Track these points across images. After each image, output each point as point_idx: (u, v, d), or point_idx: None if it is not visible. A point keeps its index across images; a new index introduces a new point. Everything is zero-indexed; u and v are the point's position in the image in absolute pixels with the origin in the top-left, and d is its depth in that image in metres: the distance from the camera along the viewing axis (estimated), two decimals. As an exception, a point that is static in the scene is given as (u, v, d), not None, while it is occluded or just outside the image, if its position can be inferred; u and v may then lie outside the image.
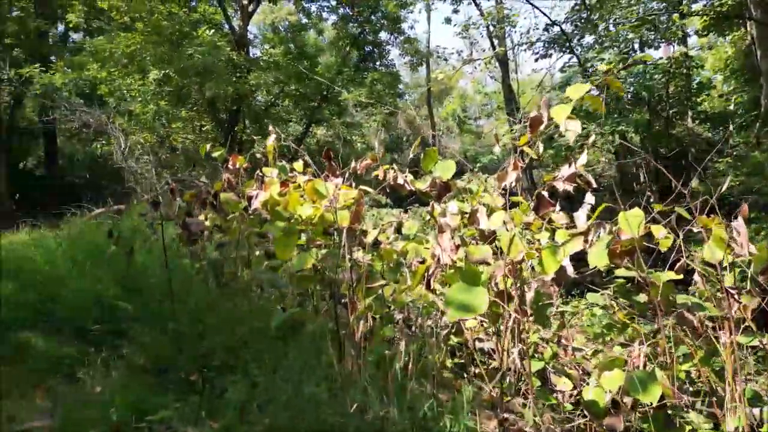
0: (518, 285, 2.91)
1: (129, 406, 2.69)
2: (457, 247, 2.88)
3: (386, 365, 2.72)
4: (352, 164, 3.90)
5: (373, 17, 21.00)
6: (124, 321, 3.70)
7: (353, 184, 3.72)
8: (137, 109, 16.48)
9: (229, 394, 2.66)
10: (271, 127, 4.71)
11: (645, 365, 2.39)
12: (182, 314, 3.59)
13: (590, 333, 4.04)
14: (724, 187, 2.88)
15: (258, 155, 4.61)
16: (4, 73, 18.10)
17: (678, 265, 2.58)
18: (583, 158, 3.07)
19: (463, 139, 34.16)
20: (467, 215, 3.26)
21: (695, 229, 2.60)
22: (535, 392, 2.85)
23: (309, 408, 2.25)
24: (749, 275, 2.49)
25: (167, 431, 2.52)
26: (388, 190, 3.73)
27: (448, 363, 3.44)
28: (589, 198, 3.05)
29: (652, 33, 13.05)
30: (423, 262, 3.12)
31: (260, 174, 4.05)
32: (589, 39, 15.12)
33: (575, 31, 15.15)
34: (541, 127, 3.01)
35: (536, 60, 15.69)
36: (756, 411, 2.42)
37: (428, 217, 4.16)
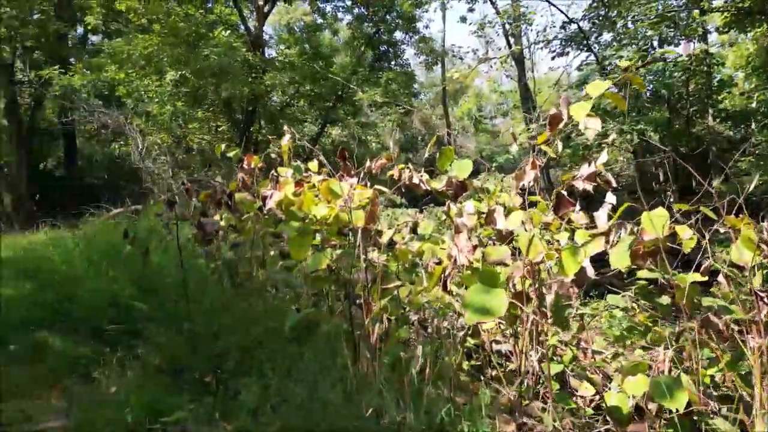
0: (537, 286, 2.85)
1: (144, 406, 2.68)
2: (475, 247, 2.82)
3: (402, 367, 2.68)
4: (367, 164, 3.86)
5: (388, 17, 20.94)
6: (139, 321, 3.71)
7: (368, 184, 3.67)
8: (154, 110, 16.64)
9: (243, 396, 2.63)
10: (286, 127, 4.69)
11: (670, 370, 2.31)
12: (197, 314, 3.58)
13: (610, 335, 3.95)
14: (752, 186, 2.78)
15: (273, 155, 4.59)
16: (25, 75, 18.39)
17: (704, 266, 2.50)
18: (603, 157, 2.99)
19: (478, 138, 33.97)
20: (484, 215, 3.20)
21: (722, 230, 2.51)
22: (555, 396, 2.78)
23: (323, 411, 2.22)
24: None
25: (181, 433, 2.51)
26: (403, 190, 3.68)
27: (465, 365, 3.38)
28: (610, 197, 2.97)
29: (672, 30, 12.83)
30: (439, 263, 3.07)
31: (275, 174, 4.03)
32: (607, 36, 14.93)
33: (593, 29, 14.96)
34: (560, 125, 2.94)
35: (553, 58, 15.50)
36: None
37: (444, 217, 4.11)
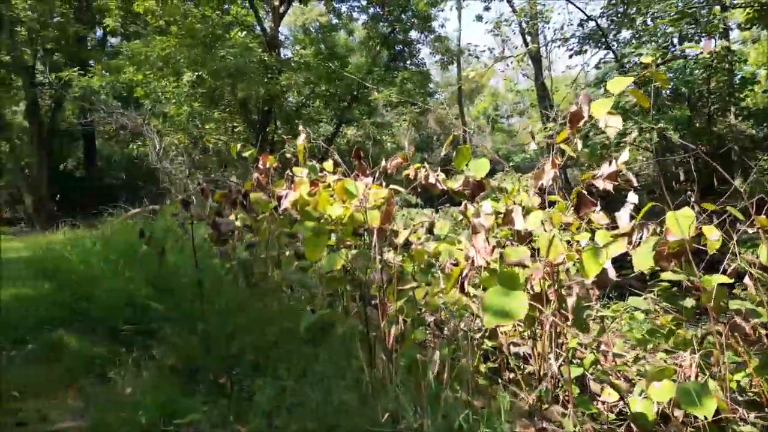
0: (556, 288, 2.78)
1: (158, 407, 2.67)
2: (492, 248, 2.76)
3: (418, 370, 2.63)
4: (382, 163, 3.81)
5: (403, 16, 20.90)
6: (155, 321, 3.71)
7: (383, 184, 3.63)
8: (172, 110, 16.78)
9: (257, 397, 2.61)
10: (301, 127, 4.67)
11: (697, 375, 2.23)
12: (212, 314, 3.57)
13: (631, 338, 3.86)
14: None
15: (288, 155, 4.57)
16: (45, 78, 18.68)
17: (731, 268, 2.41)
18: (624, 155, 2.92)
19: (494, 138, 33.75)
20: (501, 215, 3.14)
21: (750, 230, 2.42)
22: (575, 400, 2.71)
23: (338, 415, 2.18)
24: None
25: (195, 435, 2.49)
26: (419, 190, 3.63)
27: (482, 368, 3.32)
28: (632, 197, 2.90)
29: (692, 27, 12.60)
30: (456, 264, 3.01)
31: (290, 174, 4.01)
32: (625, 34, 14.72)
33: (611, 26, 14.74)
34: (581, 123, 2.87)
35: (570, 56, 15.31)
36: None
37: (460, 217, 4.04)
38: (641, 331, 3.73)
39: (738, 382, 2.82)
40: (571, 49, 15.20)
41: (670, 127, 12.93)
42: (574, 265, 3.20)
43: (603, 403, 2.85)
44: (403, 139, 25.23)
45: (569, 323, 2.90)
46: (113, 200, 11.00)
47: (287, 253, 4.11)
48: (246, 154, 4.79)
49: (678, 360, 2.97)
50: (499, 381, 3.18)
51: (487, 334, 3.29)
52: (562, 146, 3.09)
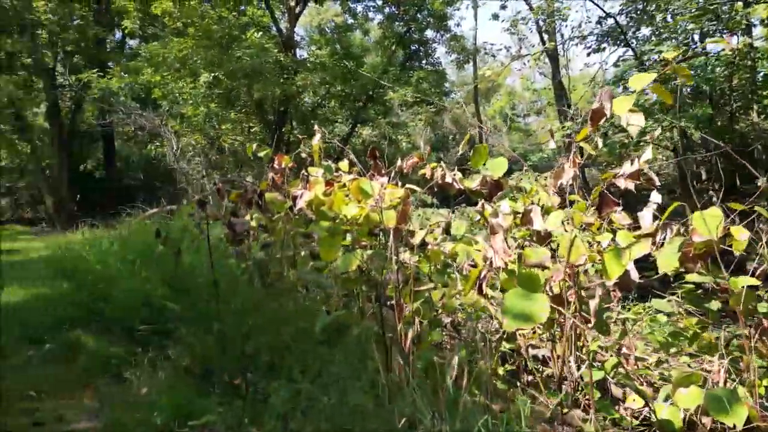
0: (577, 290, 2.71)
1: (173, 408, 2.66)
2: (511, 249, 2.70)
3: (435, 372, 2.59)
4: (398, 163, 3.77)
5: (419, 15, 20.82)
6: (171, 321, 3.71)
7: (399, 183, 3.59)
8: (189, 111, 16.91)
9: (272, 399, 2.58)
10: (316, 127, 4.65)
11: (725, 381, 2.16)
12: (227, 315, 3.56)
13: (653, 341, 3.77)
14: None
15: (303, 155, 4.55)
16: (65, 79, 18.95)
17: (761, 269, 2.33)
18: (647, 154, 2.84)
19: (511, 137, 33.50)
20: (519, 215, 3.08)
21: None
22: (597, 405, 2.64)
23: (354, 419, 2.14)
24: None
25: (210, 437, 2.47)
26: (435, 189, 3.58)
27: (500, 371, 3.26)
28: (655, 197, 2.82)
29: (714, 23, 12.35)
30: (474, 265, 2.95)
31: (305, 173, 3.98)
32: (645, 31, 14.47)
33: (630, 24, 14.51)
34: (602, 121, 2.79)
35: (588, 54, 15.09)
36: None
37: (477, 217, 3.98)
38: (662, 333, 3.65)
39: (767, 387, 2.72)
40: (589, 47, 15.00)
41: (691, 126, 12.70)
42: (592, 266, 3.13)
43: (625, 408, 2.77)
44: (419, 138, 25.16)
45: (590, 326, 2.83)
46: (132, 201, 11.13)
47: (302, 253, 4.08)
48: (261, 154, 4.77)
49: (703, 364, 2.89)
50: (518, 384, 3.12)
51: (505, 336, 3.24)
52: (582, 145, 3.02)
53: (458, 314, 3.76)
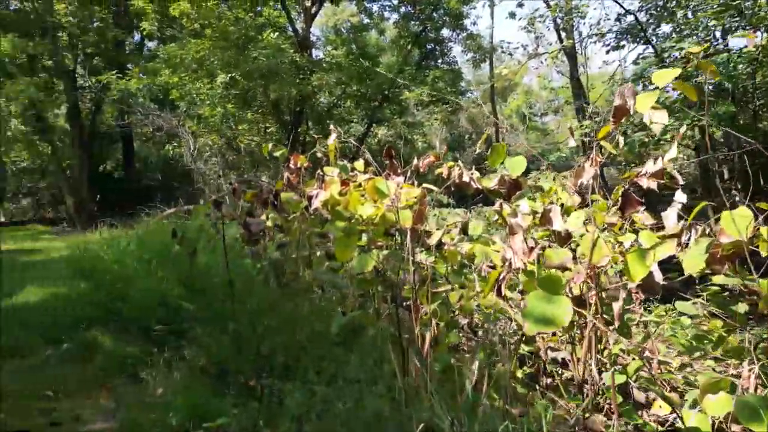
0: (598, 291, 2.64)
1: (189, 409, 2.64)
2: (531, 249, 2.64)
3: (453, 375, 2.54)
4: (414, 162, 3.72)
5: (435, 14, 20.74)
6: (186, 321, 3.71)
7: (415, 183, 3.54)
8: (206, 112, 17.04)
9: (287, 401, 2.55)
10: (332, 126, 4.62)
11: (756, 388, 2.07)
12: (243, 315, 3.54)
13: (676, 344, 3.68)
14: None
15: (319, 154, 4.53)
16: (86, 81, 19.22)
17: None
18: (672, 152, 2.76)
19: (528, 136, 33.23)
20: (538, 215, 3.01)
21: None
22: (619, 410, 2.57)
23: (370, 423, 2.10)
24: None
25: (225, 438, 2.45)
26: (452, 189, 3.53)
27: (518, 373, 3.20)
28: (680, 196, 2.73)
29: (737, 19, 12.09)
30: (493, 267, 2.89)
31: (321, 173, 3.96)
32: (665, 28, 14.22)
33: (650, 20, 14.28)
34: (624, 119, 2.72)
35: (607, 52, 14.88)
36: None
37: (494, 217, 3.92)
38: (685, 336, 3.56)
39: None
40: (608, 45, 14.79)
41: (712, 124, 12.45)
42: (612, 267, 3.05)
43: (650, 414, 2.70)
44: (435, 138, 25.06)
45: (611, 328, 2.76)
46: (150, 200, 11.23)
47: (318, 253, 4.06)
48: (277, 153, 4.76)
49: (729, 369, 2.80)
50: (537, 388, 3.05)
51: (523, 339, 3.17)
52: (603, 143, 2.94)
53: (475, 316, 3.71)
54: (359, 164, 3.96)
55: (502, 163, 3.15)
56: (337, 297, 3.88)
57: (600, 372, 2.85)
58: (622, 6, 14.82)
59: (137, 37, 22.93)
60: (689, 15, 12.99)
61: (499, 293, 2.67)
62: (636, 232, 2.77)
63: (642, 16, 14.36)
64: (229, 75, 16.17)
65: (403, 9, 21.38)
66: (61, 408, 2.93)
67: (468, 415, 1.98)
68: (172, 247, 4.63)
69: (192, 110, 17.33)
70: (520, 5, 18.67)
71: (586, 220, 2.67)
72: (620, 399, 2.87)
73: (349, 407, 2.24)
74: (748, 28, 12.48)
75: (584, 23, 16.86)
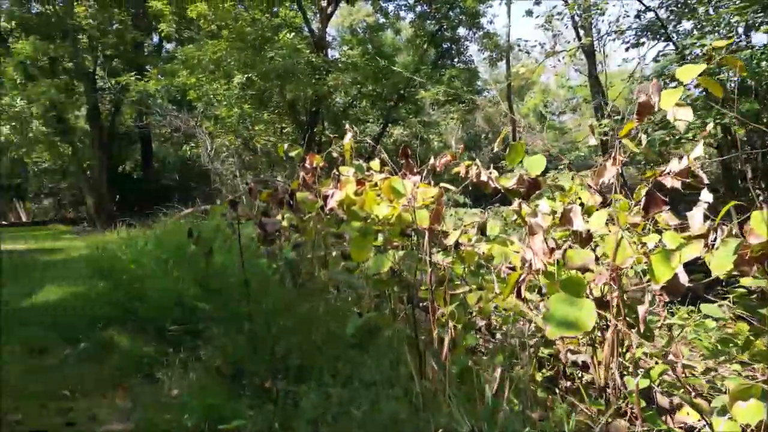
0: (620, 293, 2.57)
1: (204, 410, 2.63)
2: (551, 250, 2.58)
3: (471, 377, 2.49)
4: (431, 161, 3.67)
5: (451, 13, 20.62)
6: (202, 321, 3.70)
7: (431, 183, 3.49)
8: (223, 112, 17.15)
9: (303, 404, 2.52)
10: (348, 126, 4.59)
11: (788, 395, 1.99)
12: (258, 315, 3.53)
13: (699, 347, 3.58)
14: None
15: (335, 154, 4.50)
16: (105, 83, 19.47)
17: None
18: (698, 150, 2.67)
19: (545, 135, 32.91)
20: (558, 215, 2.94)
21: None
22: (643, 415, 2.49)
23: (387, 427, 2.06)
24: None
25: (240, 440, 2.42)
26: (470, 188, 3.47)
27: (537, 376, 3.14)
28: (706, 195, 2.65)
29: (761, 15, 11.82)
30: (513, 268, 2.83)
31: (336, 173, 3.93)
32: (686, 25, 13.97)
33: (671, 17, 14.03)
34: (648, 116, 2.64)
35: (627, 49, 14.63)
36: None
37: (512, 217, 3.85)
38: (708, 339, 3.46)
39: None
40: (628, 42, 14.56)
41: (738, 121, 12.19)
42: (632, 268, 2.97)
43: (674, 420, 2.62)
44: (451, 137, 24.93)
45: (634, 331, 2.69)
46: (168, 201, 11.33)
47: (334, 253, 4.03)
48: (293, 153, 4.74)
49: (758, 374, 2.71)
50: (556, 391, 2.99)
51: (542, 341, 3.11)
52: (624, 141, 2.87)
53: (493, 318, 3.65)
54: (375, 164, 3.92)
55: (521, 162, 3.09)
56: (352, 297, 3.85)
57: (621, 376, 2.78)
58: (642, 2, 14.58)
59: (156, 38, 23.18)
60: (711, 11, 12.74)
61: (518, 295, 2.61)
62: (659, 232, 2.70)
63: (662, 13, 14.12)
64: (246, 75, 16.26)
65: (419, 8, 21.32)
66: (77, 408, 2.94)
67: (488, 421, 1.93)
68: (188, 247, 4.64)
69: (209, 111, 17.46)
70: (537, 3, 18.42)
71: (608, 220, 2.60)
72: (643, 404, 2.80)
73: (365, 410, 2.20)
74: (771, 23, 12.20)
75: (603, 20, 16.62)
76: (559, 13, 15.97)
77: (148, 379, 3.26)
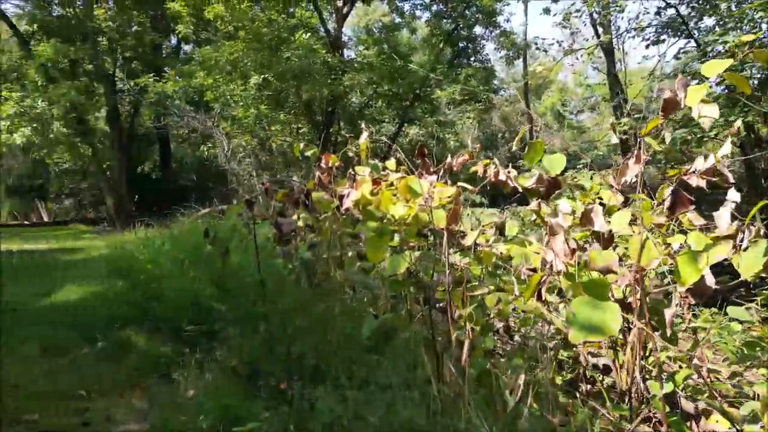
0: (644, 295, 2.50)
1: (220, 411, 2.61)
2: (572, 251, 2.51)
3: (490, 380, 2.44)
4: (448, 160, 3.62)
5: (467, 12, 20.50)
6: (218, 321, 3.70)
7: (448, 182, 3.44)
8: (239, 113, 17.25)
9: (319, 406, 2.49)
10: (363, 125, 4.56)
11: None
12: (274, 315, 3.51)
13: (723, 351, 3.48)
14: None
15: (350, 154, 4.47)
16: (124, 84, 19.72)
17: None
18: (725, 148, 2.59)
19: (563, 134, 32.59)
20: (577, 215, 2.88)
21: None
22: (667, 421, 2.42)
23: (403, 432, 2.02)
24: None
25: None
26: (488, 188, 3.41)
27: (557, 380, 3.07)
28: (733, 195, 2.56)
29: (785, 10, 11.54)
30: (534, 270, 2.77)
31: (352, 172, 3.90)
32: (708, 21, 13.70)
33: (692, 13, 13.78)
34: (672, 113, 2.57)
35: (647, 47, 14.40)
36: None
37: (530, 217, 3.78)
38: (733, 342, 3.37)
39: None
40: (648, 39, 14.33)
41: (759, 120, 11.92)
42: (652, 269, 2.89)
43: (699, 427, 2.54)
44: (467, 137, 24.79)
45: (657, 333, 2.61)
46: (186, 201, 11.42)
47: (349, 253, 4.00)
48: (309, 153, 4.72)
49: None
50: (577, 395, 2.92)
51: (562, 343, 3.04)
52: (647, 140, 2.79)
53: (511, 319, 3.59)
54: (391, 163, 3.88)
55: (539, 161, 3.03)
56: (368, 298, 3.82)
57: (644, 380, 2.70)
58: (662, -1, 14.34)
59: (174, 40, 23.40)
60: (734, 7, 12.49)
61: (539, 297, 2.55)
62: (683, 232, 2.62)
63: (683, 9, 13.87)
64: (262, 76, 16.33)
65: (435, 7, 21.23)
66: (94, 408, 2.95)
67: (509, 428, 1.88)
68: (204, 247, 4.65)
69: (226, 111, 17.58)
70: (555, 0, 18.25)
71: (632, 220, 2.53)
72: (667, 409, 2.72)
73: (382, 415, 2.16)
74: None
75: (622, 17, 16.36)
76: (577, 11, 15.76)
77: (164, 379, 3.27)
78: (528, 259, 2.79)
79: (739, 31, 12.01)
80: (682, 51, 14.67)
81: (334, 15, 20.09)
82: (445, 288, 2.85)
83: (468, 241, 3.14)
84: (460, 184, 3.24)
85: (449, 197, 3.15)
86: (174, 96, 17.87)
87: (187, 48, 23.99)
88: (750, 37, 2.80)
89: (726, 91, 11.38)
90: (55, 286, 6.23)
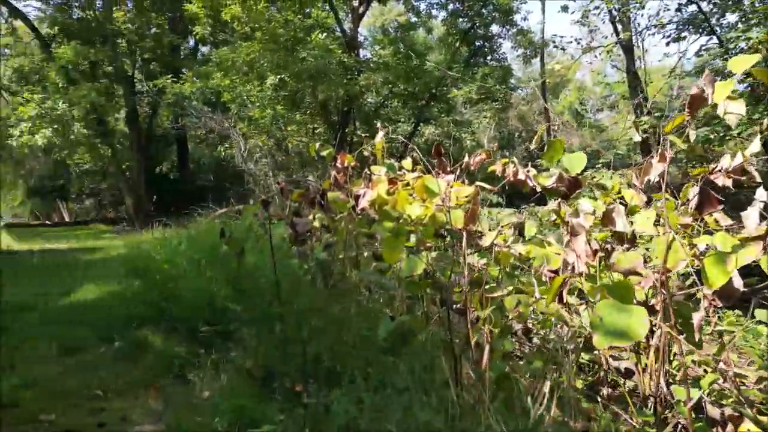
0: (668, 297, 2.42)
1: (235, 412, 2.60)
2: (594, 252, 2.45)
3: (509, 384, 2.38)
4: (465, 159, 3.56)
5: (484, 10, 20.36)
6: (233, 322, 3.68)
7: (465, 182, 3.39)
8: (256, 114, 17.33)
9: (334, 409, 2.46)
10: (379, 124, 4.52)
11: None
12: (289, 316, 3.48)
13: (749, 355, 3.38)
14: None
15: (366, 153, 4.43)
16: (143, 86, 19.95)
17: None
18: (755, 146, 2.50)
19: (581, 133, 32.20)
20: (598, 215, 2.80)
21: None
22: (692, 426, 2.34)
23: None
24: None
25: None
26: (506, 187, 3.35)
27: (578, 383, 3.00)
28: (762, 194, 2.47)
29: (810, 5, 11.26)
30: (555, 271, 2.70)
31: (368, 172, 3.86)
32: (731, 17, 13.43)
33: (714, 9, 13.51)
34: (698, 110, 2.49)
35: (667, 44, 14.17)
36: None
37: (548, 217, 3.71)
38: (758, 346, 3.26)
39: None
40: (668, 36, 14.09)
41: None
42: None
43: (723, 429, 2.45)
44: (483, 136, 24.63)
45: (682, 337, 2.53)
46: (203, 201, 11.49)
47: (365, 254, 3.97)
48: (324, 153, 4.70)
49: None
50: (598, 399, 2.85)
51: (582, 346, 2.97)
52: (671, 138, 2.71)
53: (529, 321, 3.53)
54: (407, 163, 3.84)
55: (559, 160, 2.96)
56: (384, 299, 3.78)
57: (668, 384, 2.63)
58: (684, -6, 14.09)
59: (191, 42, 23.61)
60: (757, 2, 12.22)
61: (560, 300, 2.48)
62: (708, 233, 2.54)
63: (705, 6, 13.62)
64: (279, 76, 16.38)
65: (451, 6, 21.13)
66: (110, 408, 2.95)
67: (528, 433, 1.82)
68: (220, 247, 4.65)
69: (243, 112, 17.66)
70: (573, -2, 18.05)
71: (655, 220, 2.45)
72: (692, 415, 2.64)
73: (399, 418, 2.12)
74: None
75: (642, 14, 16.12)
76: (596, 8, 15.56)
77: (179, 379, 3.26)
78: (549, 260, 2.72)
79: (762, 26, 11.74)
80: (703, 48, 14.40)
81: (350, 15, 20.09)
82: (462, 289, 2.80)
83: (486, 242, 3.08)
84: (478, 183, 3.18)
85: (467, 197, 3.10)
86: (191, 97, 18.02)
87: (204, 49, 24.21)
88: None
89: (749, 88, 11.13)
90: (74, 286, 6.29)
